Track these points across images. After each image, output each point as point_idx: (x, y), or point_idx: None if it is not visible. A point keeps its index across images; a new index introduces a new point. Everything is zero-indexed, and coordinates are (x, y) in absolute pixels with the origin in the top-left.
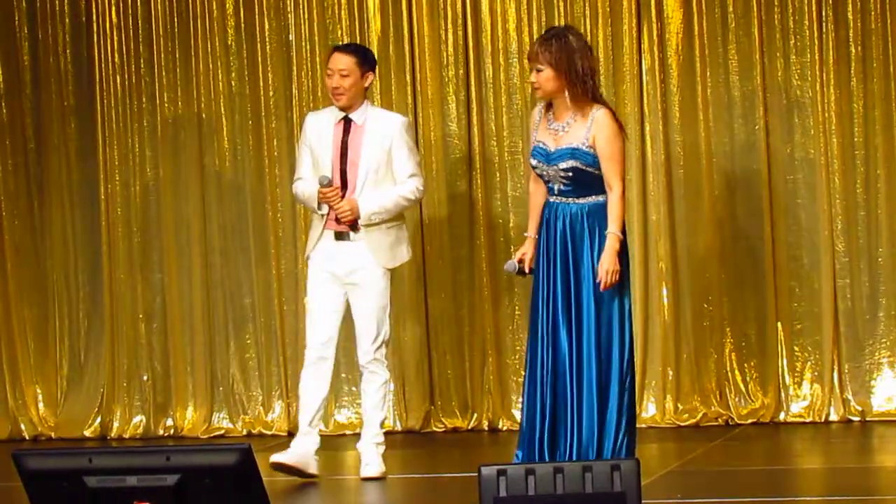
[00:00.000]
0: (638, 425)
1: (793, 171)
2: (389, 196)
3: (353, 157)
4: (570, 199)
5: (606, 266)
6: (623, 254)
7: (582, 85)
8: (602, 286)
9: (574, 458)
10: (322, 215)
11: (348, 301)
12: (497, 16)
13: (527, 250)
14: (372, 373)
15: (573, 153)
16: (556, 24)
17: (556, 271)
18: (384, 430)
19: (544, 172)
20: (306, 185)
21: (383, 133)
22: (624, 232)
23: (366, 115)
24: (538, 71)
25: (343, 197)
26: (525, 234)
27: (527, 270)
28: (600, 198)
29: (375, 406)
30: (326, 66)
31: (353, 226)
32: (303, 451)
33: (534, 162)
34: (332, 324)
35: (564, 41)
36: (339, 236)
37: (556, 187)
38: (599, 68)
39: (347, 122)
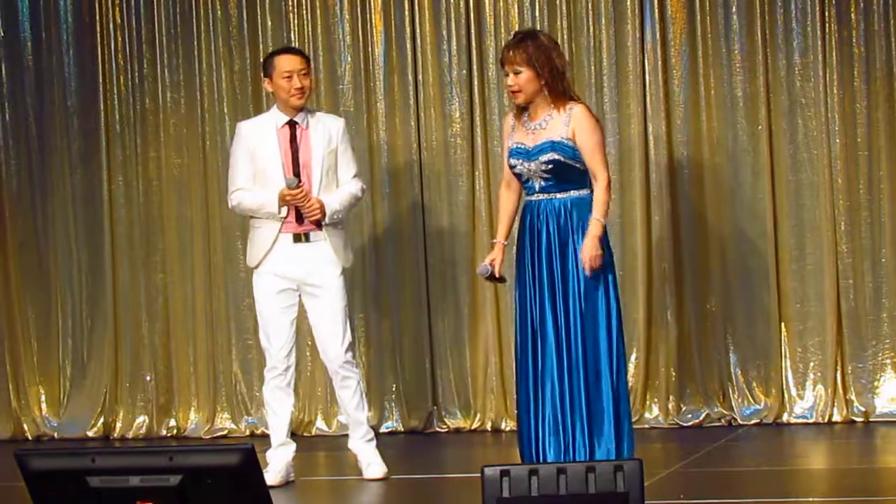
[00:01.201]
0: (641, 426)
1: (796, 172)
2: (344, 195)
3: (306, 160)
4: (552, 194)
5: (589, 251)
6: (607, 247)
7: (561, 82)
8: (587, 270)
9: (572, 458)
10: (281, 219)
11: (303, 307)
12: (500, 17)
13: (496, 256)
14: (346, 377)
15: (553, 146)
16: (559, 25)
17: (542, 268)
18: (374, 430)
19: (524, 170)
20: (254, 194)
21: (328, 134)
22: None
23: (307, 117)
24: (517, 73)
25: None
26: (493, 241)
27: (497, 275)
28: (582, 192)
29: (357, 407)
30: (281, 70)
31: (318, 224)
32: (283, 465)
33: (512, 161)
34: (290, 334)
35: (538, 43)
36: (298, 238)
37: (536, 185)
38: (604, 69)
39: (292, 125)
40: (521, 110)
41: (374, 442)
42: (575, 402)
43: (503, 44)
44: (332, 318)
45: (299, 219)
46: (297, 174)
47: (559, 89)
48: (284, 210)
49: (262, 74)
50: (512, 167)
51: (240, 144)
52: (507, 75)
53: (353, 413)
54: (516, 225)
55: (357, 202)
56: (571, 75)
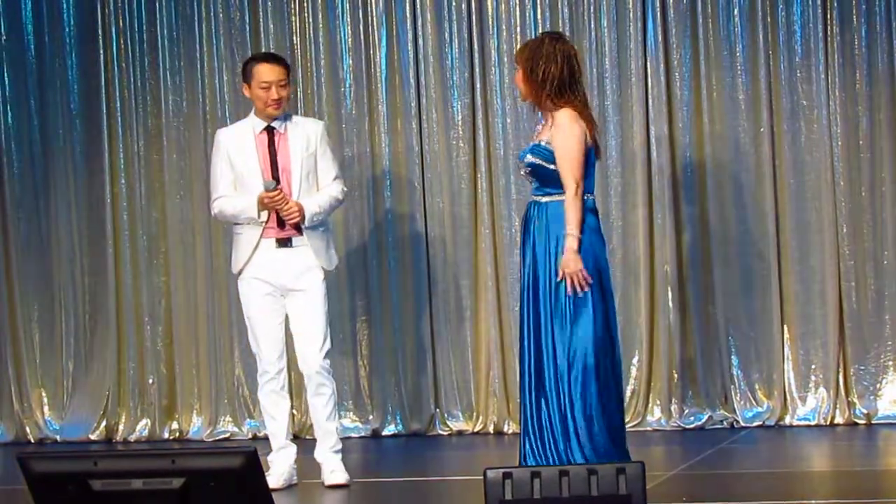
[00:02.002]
0: (643, 429)
1: (798, 174)
2: (324, 197)
3: (284, 164)
4: (538, 197)
5: (569, 269)
6: (588, 251)
7: (541, 90)
8: (569, 290)
9: (552, 462)
10: (261, 223)
11: (286, 311)
12: (502, 19)
13: None
14: (321, 385)
15: (533, 149)
16: (560, 27)
17: (522, 272)
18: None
19: (522, 171)
20: (234, 200)
21: (307, 138)
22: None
23: (285, 122)
24: (516, 70)
25: None
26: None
27: None
28: (560, 197)
29: (330, 417)
30: (259, 80)
31: (298, 228)
32: (285, 468)
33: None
34: (280, 337)
35: (538, 45)
36: (282, 243)
37: (531, 186)
38: (606, 72)
39: (270, 131)
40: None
41: (341, 454)
42: (554, 419)
43: (506, 46)
44: (313, 322)
45: (280, 224)
46: (275, 179)
47: (541, 96)
48: (265, 214)
49: (241, 79)
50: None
51: (219, 152)
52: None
53: (325, 423)
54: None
55: (339, 204)
56: (581, 83)
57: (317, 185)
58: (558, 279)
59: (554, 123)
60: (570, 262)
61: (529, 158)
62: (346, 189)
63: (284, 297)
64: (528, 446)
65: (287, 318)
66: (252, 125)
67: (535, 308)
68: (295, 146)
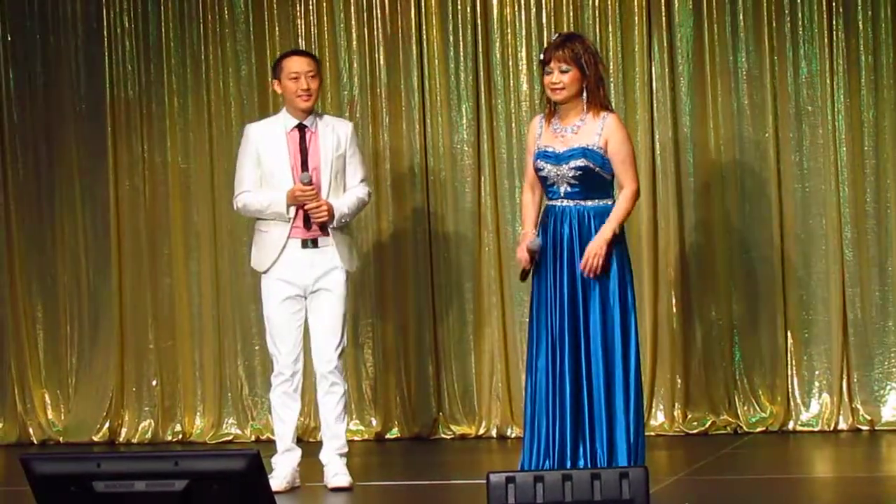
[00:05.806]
0: (647, 433)
1: (802, 180)
2: (352, 199)
3: (315, 163)
4: (577, 201)
5: (592, 250)
6: (626, 257)
7: (600, 87)
8: (586, 270)
9: (588, 465)
10: (288, 220)
11: (306, 312)
12: (506, 23)
13: (531, 235)
14: (333, 384)
15: (584, 152)
16: (566, 31)
17: (562, 275)
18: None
19: (550, 174)
20: (261, 194)
21: (338, 138)
22: (623, 234)
23: (316, 120)
24: (564, 71)
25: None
26: (524, 231)
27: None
28: (608, 202)
29: (339, 418)
30: (288, 71)
31: (324, 228)
32: (289, 471)
33: (539, 164)
34: (298, 339)
35: (585, 42)
36: (306, 244)
37: (562, 189)
38: (611, 77)
39: (301, 128)
40: (551, 113)
41: (346, 458)
42: (594, 413)
43: (511, 50)
44: (332, 321)
45: (307, 223)
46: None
47: (600, 95)
48: (292, 210)
49: (270, 77)
50: (539, 170)
51: (247, 147)
52: (549, 73)
53: (334, 425)
54: None
55: (364, 206)
56: (608, 84)
57: (344, 185)
58: (581, 264)
59: (610, 126)
60: (600, 247)
61: (583, 162)
62: (371, 191)
63: (306, 297)
64: (570, 452)
65: (306, 318)
66: (283, 122)
67: (585, 312)
68: (326, 145)
